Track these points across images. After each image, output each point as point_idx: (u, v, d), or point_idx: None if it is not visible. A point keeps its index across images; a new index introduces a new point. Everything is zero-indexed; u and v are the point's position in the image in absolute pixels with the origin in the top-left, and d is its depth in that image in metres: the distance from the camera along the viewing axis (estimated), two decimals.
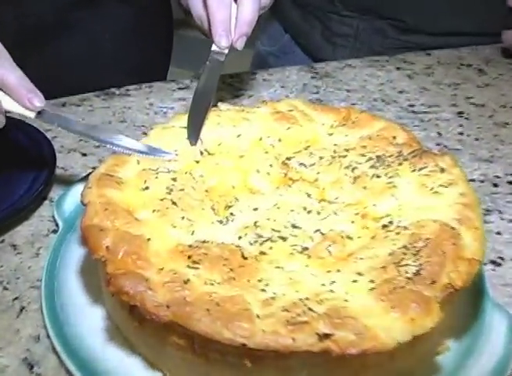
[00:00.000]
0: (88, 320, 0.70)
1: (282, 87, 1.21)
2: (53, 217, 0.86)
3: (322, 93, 1.19)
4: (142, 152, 0.77)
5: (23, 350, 0.69)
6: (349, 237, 0.69)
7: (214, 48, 0.94)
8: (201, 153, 0.80)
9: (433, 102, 1.17)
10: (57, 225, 0.84)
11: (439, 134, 1.08)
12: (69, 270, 0.76)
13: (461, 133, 1.08)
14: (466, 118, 1.12)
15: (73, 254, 0.78)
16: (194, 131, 0.81)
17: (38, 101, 0.77)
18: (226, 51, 0.95)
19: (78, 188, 0.85)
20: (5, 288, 0.76)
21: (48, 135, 1.00)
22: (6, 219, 0.84)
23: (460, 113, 1.14)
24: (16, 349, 0.69)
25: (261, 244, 0.68)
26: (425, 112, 1.14)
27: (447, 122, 1.11)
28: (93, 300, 0.72)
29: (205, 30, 0.97)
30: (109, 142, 0.77)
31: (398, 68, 1.29)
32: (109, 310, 0.70)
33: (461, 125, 1.10)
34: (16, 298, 0.75)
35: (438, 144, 1.05)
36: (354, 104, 1.16)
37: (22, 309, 0.73)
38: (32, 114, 0.78)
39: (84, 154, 1.01)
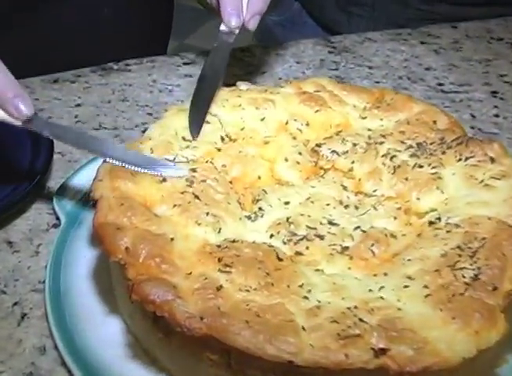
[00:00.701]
0: (102, 329, 0.67)
1: (297, 62, 1.17)
2: (53, 209, 0.82)
3: (342, 70, 1.16)
4: (145, 167, 0.69)
5: (28, 364, 0.66)
6: (393, 235, 0.67)
7: (222, 27, 0.89)
8: (222, 139, 0.76)
9: (463, 80, 1.15)
10: (58, 218, 0.81)
11: (473, 116, 1.06)
12: (76, 271, 0.73)
13: (497, 115, 1.06)
14: (501, 98, 1.10)
15: (80, 252, 0.75)
16: (196, 122, 0.77)
17: (25, 108, 0.68)
18: (237, 31, 0.89)
19: (79, 176, 0.84)
20: (3, 292, 0.73)
21: (42, 115, 0.97)
22: (0, 213, 0.80)
23: (494, 92, 1.11)
24: (19, 363, 0.66)
25: (295, 243, 0.65)
26: (456, 91, 1.11)
27: (480, 103, 1.09)
28: (107, 306, 0.69)
29: (214, 8, 0.92)
30: (108, 155, 0.69)
31: (422, 42, 1.26)
32: (128, 319, 0.67)
33: (496, 106, 1.08)
34: (15, 303, 0.72)
35: (472, 127, 1.02)
36: (377, 82, 1.13)
37: (23, 315, 0.70)
38: (18, 122, 0.70)
39: None
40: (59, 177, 0.88)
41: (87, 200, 0.76)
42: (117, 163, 0.68)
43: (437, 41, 1.27)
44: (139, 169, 0.68)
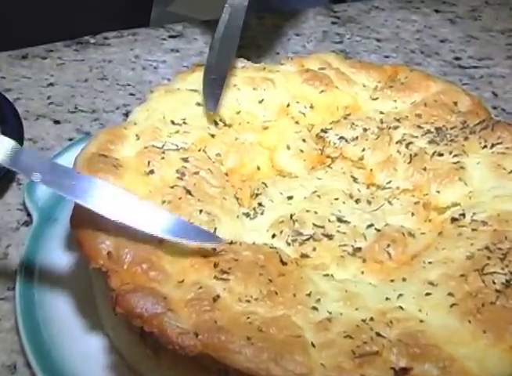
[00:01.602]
0: (82, 345, 0.64)
1: (296, 35, 1.15)
2: (23, 205, 0.80)
3: (347, 43, 1.14)
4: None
5: None
6: (411, 234, 0.65)
7: None
8: (216, 123, 0.74)
9: (483, 53, 1.13)
10: (29, 215, 0.79)
11: (494, 94, 1.04)
12: (51, 277, 0.70)
13: None
14: None
15: (55, 254, 0.72)
16: (213, 95, 0.75)
17: None
18: None
19: None
20: None
21: (9, 96, 0.93)
22: None
23: None
24: None
25: (301, 244, 0.63)
26: (475, 66, 1.10)
27: (503, 79, 1.07)
28: (88, 319, 0.67)
29: None
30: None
31: (436, 11, 1.24)
32: (111, 333, 0.65)
33: None
34: None
35: (494, 107, 1.01)
36: (387, 57, 1.11)
37: None
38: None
39: (57, 121, 0.94)
40: None
41: None
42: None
43: (453, 9, 1.25)
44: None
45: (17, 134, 0.85)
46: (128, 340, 0.60)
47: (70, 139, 0.90)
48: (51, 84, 1.01)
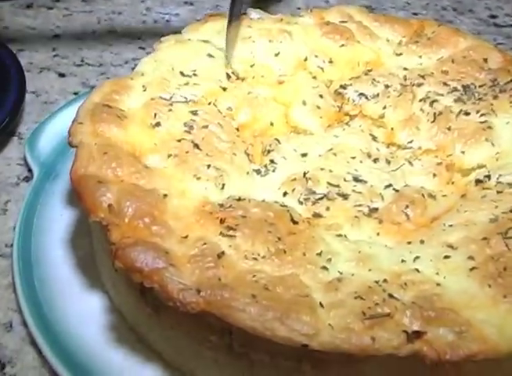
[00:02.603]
0: (81, 303, 0.66)
1: None
2: (24, 160, 0.81)
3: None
4: None
5: None
6: (431, 196, 0.65)
7: None
8: (228, 76, 0.75)
9: None
10: (30, 170, 0.80)
11: None
12: (51, 234, 0.71)
13: None
14: None
15: (56, 211, 0.73)
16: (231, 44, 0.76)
17: None
18: None
19: (56, 121, 0.83)
20: None
21: (13, 48, 0.94)
22: None
23: None
24: None
25: (313, 203, 0.63)
26: None
27: None
28: (87, 277, 0.68)
29: None
30: None
31: None
32: (111, 291, 0.66)
33: None
34: None
35: None
36: (416, 14, 1.10)
37: None
38: None
39: (62, 75, 0.95)
40: (31, 121, 0.87)
41: (65, 148, 0.74)
42: None
43: None
44: None
45: (19, 86, 0.87)
46: (128, 298, 0.61)
47: (75, 93, 0.91)
48: (56, 36, 1.02)
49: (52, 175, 0.77)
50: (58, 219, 0.72)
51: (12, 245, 0.71)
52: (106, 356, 0.61)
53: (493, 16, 1.10)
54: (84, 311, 0.65)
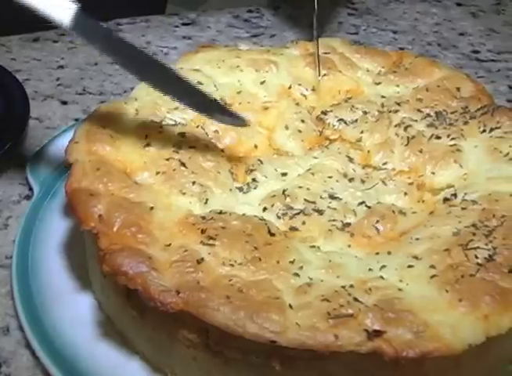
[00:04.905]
0: (72, 308, 0.69)
1: (311, 26, 1.18)
2: (26, 179, 0.85)
3: (363, 34, 1.17)
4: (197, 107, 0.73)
5: None
6: (402, 212, 0.68)
7: None
8: None
9: (503, 47, 1.16)
10: (31, 189, 0.83)
11: (510, 88, 1.07)
12: (47, 246, 0.75)
13: None
14: None
15: (53, 225, 0.77)
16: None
17: None
18: None
19: (57, 144, 0.86)
20: None
21: (19, 77, 0.98)
22: None
23: None
24: None
25: (291, 218, 0.67)
26: (493, 60, 1.13)
27: None
28: (79, 283, 0.72)
29: None
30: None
31: (458, 4, 1.27)
32: (100, 296, 0.69)
33: None
34: None
35: (509, 100, 1.04)
36: (402, 49, 1.14)
37: None
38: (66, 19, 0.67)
39: (65, 102, 0.99)
40: (34, 145, 0.90)
41: (63, 169, 0.78)
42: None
43: (476, 2, 1.28)
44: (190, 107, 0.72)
45: (23, 112, 0.90)
46: (115, 302, 0.65)
47: (76, 120, 0.94)
48: (61, 67, 1.06)
49: (50, 194, 0.80)
50: (54, 232, 0.76)
51: (11, 257, 0.74)
52: (95, 357, 0.65)
53: (476, 52, 1.13)
54: (75, 316, 0.68)
